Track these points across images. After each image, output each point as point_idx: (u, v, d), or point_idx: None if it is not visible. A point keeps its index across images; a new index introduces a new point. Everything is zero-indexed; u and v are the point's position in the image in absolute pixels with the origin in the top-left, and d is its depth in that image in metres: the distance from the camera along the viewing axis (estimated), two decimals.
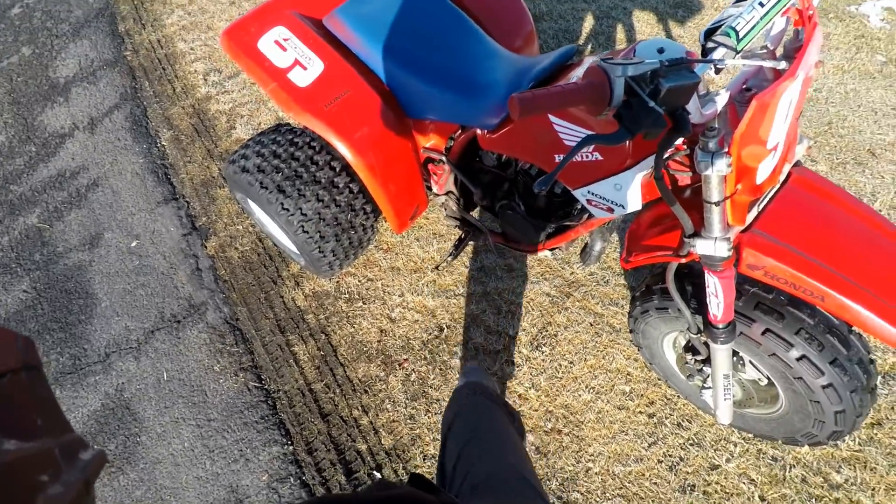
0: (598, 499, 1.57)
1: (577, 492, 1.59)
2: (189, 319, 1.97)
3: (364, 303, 1.95)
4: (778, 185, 1.05)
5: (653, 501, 1.56)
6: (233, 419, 1.77)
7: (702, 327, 1.23)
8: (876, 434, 1.61)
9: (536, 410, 1.72)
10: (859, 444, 1.60)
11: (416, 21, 1.44)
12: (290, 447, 1.71)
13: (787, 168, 1.05)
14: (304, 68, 1.37)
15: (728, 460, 1.60)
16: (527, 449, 1.63)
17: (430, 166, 1.62)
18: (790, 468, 1.58)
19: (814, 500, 1.53)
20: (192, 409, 1.79)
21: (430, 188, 1.71)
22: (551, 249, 1.56)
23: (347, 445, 1.71)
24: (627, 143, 1.03)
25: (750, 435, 1.63)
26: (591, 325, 1.86)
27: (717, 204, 0.93)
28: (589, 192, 1.17)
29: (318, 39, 1.41)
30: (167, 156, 2.39)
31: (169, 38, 2.79)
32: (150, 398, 1.83)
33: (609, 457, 1.63)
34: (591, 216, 1.34)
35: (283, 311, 1.96)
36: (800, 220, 1.02)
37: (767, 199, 1.04)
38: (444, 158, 1.52)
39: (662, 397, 1.71)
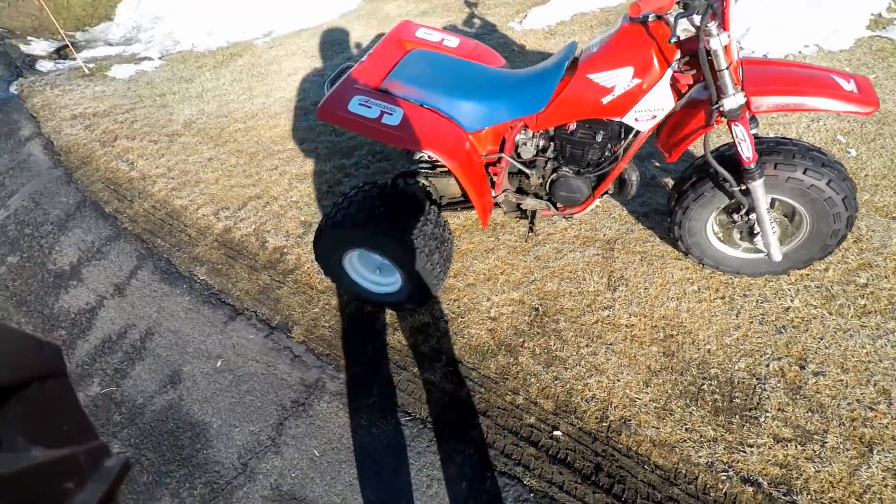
0: (730, 365, 1.89)
1: (714, 368, 1.89)
2: (312, 397, 2.01)
3: (462, 317, 2.18)
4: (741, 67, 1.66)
5: (766, 348, 1.92)
6: (404, 455, 1.81)
7: (739, 181, 1.73)
8: (861, 245, 2.19)
9: (644, 329, 2.04)
10: (856, 255, 2.15)
11: (446, 67, 1.96)
12: (471, 450, 1.80)
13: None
14: (390, 114, 1.78)
15: (792, 300, 2.05)
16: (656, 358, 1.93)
17: (489, 169, 2.04)
18: (831, 287, 2.07)
19: (858, 298, 2.01)
20: (361, 466, 1.80)
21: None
22: (601, 196, 2.02)
23: (518, 426, 1.84)
24: (656, 61, 1.58)
25: (793, 279, 2.11)
26: (642, 260, 2.29)
27: (727, 69, 1.48)
28: (635, 110, 1.68)
29: (389, 96, 1.85)
30: (211, 286, 2.50)
31: (162, 201, 2.99)
32: (312, 478, 1.80)
33: (716, 336, 1.98)
34: (623, 156, 1.85)
35: (396, 353, 2.11)
36: (763, 75, 1.62)
37: (741, 72, 1.64)
38: (502, 155, 1.97)
39: (722, 283, 2.15)
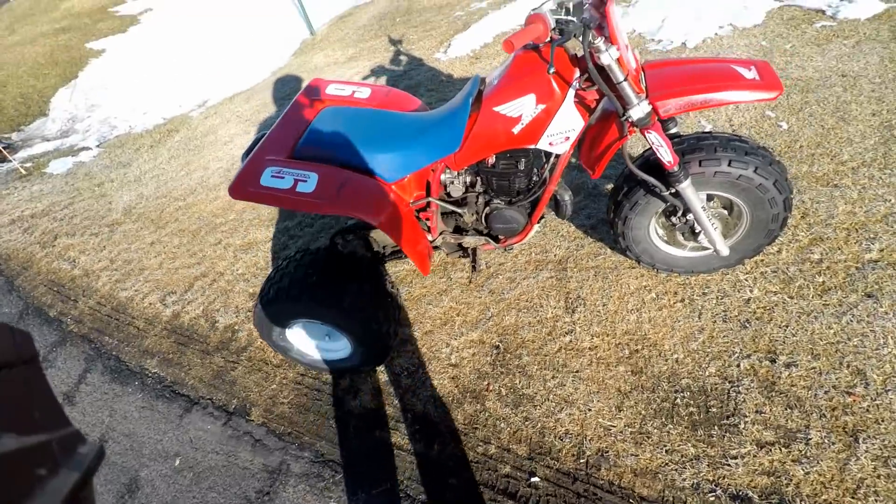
0: (700, 372, 1.82)
1: (684, 378, 1.81)
2: (277, 484, 1.89)
3: (423, 368, 2.09)
4: (643, 72, 1.63)
5: (734, 347, 1.85)
6: None
7: (668, 185, 1.68)
8: (809, 220, 2.15)
9: (609, 350, 1.96)
10: (806, 230, 2.11)
11: (359, 121, 1.90)
12: None
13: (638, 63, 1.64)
14: (305, 181, 1.71)
15: (751, 290, 1.99)
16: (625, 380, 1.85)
17: (421, 215, 1.98)
18: (787, 269, 2.02)
19: (816, 276, 1.96)
20: None
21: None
22: (538, 221, 1.96)
23: (494, 478, 1.74)
24: (555, 85, 1.54)
25: (749, 268, 2.06)
26: (596, 275, 2.23)
27: (625, 80, 1.44)
28: (547, 135, 1.63)
29: (302, 162, 1.78)
30: (164, 378, 2.38)
31: (107, 296, 2.87)
32: None
33: (682, 343, 1.91)
34: (550, 179, 1.80)
35: (360, 419, 2.00)
36: (666, 78, 1.59)
37: (643, 79, 1.60)
38: (430, 199, 1.91)
39: (679, 285, 2.09)
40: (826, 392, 1.67)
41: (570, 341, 2.02)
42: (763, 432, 1.63)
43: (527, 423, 1.84)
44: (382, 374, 2.11)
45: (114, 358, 2.54)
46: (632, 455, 1.68)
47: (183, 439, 2.12)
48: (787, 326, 1.86)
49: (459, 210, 1.95)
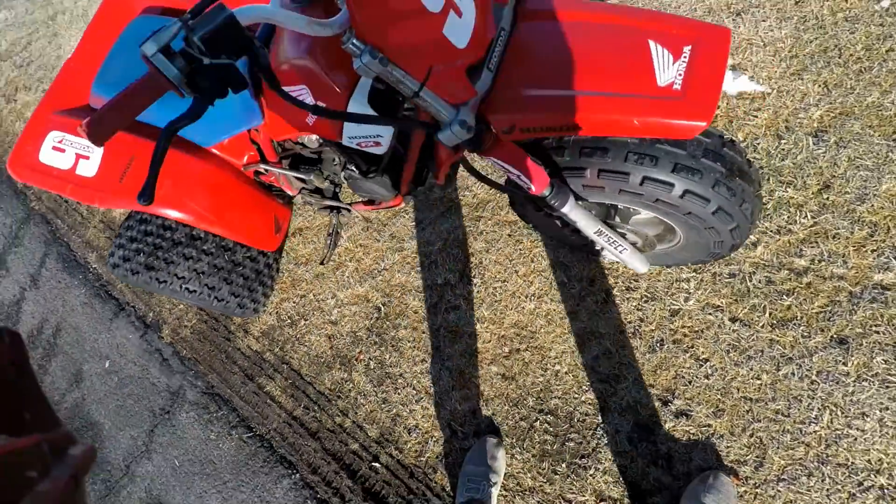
0: (575, 396, 1.53)
1: (555, 398, 1.55)
2: (175, 406, 2.07)
3: (305, 319, 1.97)
4: (508, 31, 0.94)
5: (628, 373, 1.50)
6: (242, 473, 1.86)
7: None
8: (827, 198, 1.46)
9: (489, 341, 1.68)
10: (812, 216, 1.45)
11: None
12: (297, 475, 1.78)
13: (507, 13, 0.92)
14: (87, 158, 1.36)
15: (686, 300, 1.51)
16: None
17: (262, 177, 1.58)
18: (750, 277, 1.46)
19: (784, 296, 1.42)
20: (208, 480, 1.90)
21: (282, 195, 1.68)
22: (408, 194, 1.49)
23: (342, 451, 1.75)
24: (329, 79, 0.95)
25: (700, 265, 1.52)
26: (510, 235, 1.78)
27: (419, 93, 0.83)
28: (347, 137, 1.10)
29: None
30: (101, 275, 2.49)
31: None
32: (173, 486, 1.95)
33: (570, 352, 1.58)
34: (407, 156, 1.26)
35: (245, 360, 2.02)
36: (535, 57, 0.91)
37: (501, 50, 0.93)
38: (266, 167, 1.48)
39: (601, 271, 1.63)
40: (704, 458, 1.36)
41: (453, 320, 1.75)
42: (611, 487, 1.42)
43: (384, 405, 1.75)
44: (270, 317, 2.04)
45: (65, 245, 2.66)
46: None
47: (112, 343, 2.31)
48: (705, 362, 1.44)
49: (307, 177, 1.51)
